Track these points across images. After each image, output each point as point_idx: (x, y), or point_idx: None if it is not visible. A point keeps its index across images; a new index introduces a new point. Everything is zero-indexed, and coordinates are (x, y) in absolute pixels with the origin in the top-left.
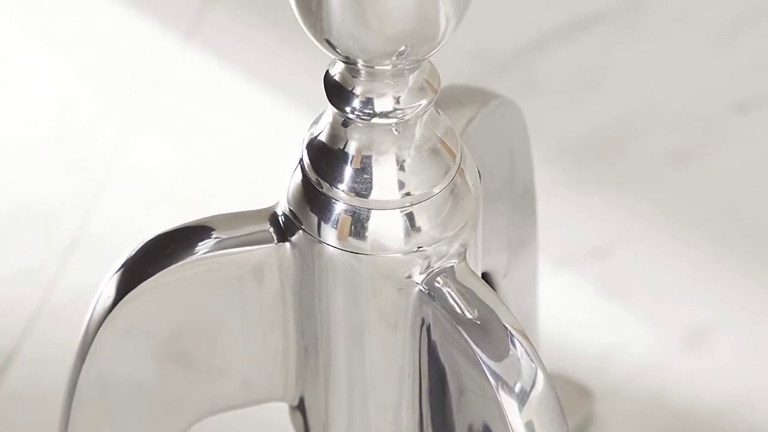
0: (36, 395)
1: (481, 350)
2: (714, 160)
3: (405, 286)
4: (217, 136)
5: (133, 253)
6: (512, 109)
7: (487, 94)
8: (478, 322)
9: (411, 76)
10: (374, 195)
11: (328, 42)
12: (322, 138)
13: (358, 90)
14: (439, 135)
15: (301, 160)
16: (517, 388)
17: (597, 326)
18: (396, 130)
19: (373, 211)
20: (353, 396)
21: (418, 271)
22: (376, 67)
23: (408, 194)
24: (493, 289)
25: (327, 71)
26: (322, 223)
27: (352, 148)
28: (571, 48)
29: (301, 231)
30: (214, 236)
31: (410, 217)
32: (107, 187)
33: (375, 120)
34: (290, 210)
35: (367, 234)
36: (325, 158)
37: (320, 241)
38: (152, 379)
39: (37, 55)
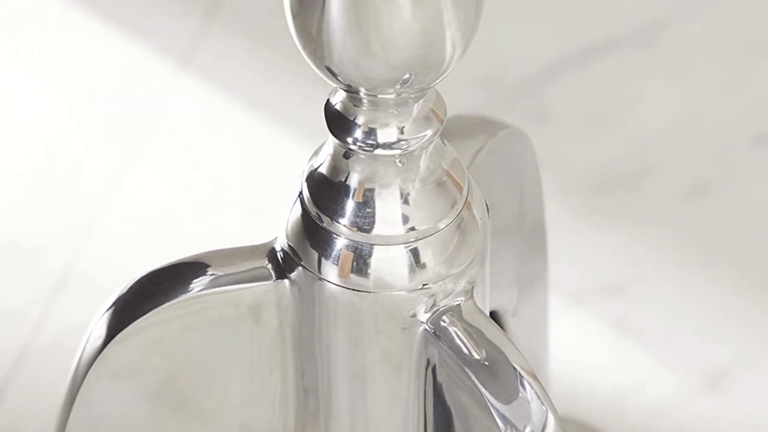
0: None
1: (489, 392)
2: (733, 193)
3: (409, 325)
4: (213, 168)
5: (125, 290)
6: (522, 139)
7: (495, 124)
8: (486, 363)
9: (416, 105)
10: (377, 230)
11: (329, 69)
12: (323, 170)
13: (360, 120)
14: (445, 167)
15: (301, 193)
16: None
17: (611, 367)
18: (400, 161)
19: (376, 247)
20: None
21: (423, 309)
22: (379, 96)
23: (412, 229)
24: (502, 328)
25: (327, 100)
26: (323, 259)
27: (354, 181)
28: (584, 76)
29: (300, 267)
30: (209, 273)
31: (415, 253)
32: (98, 222)
33: (378, 151)
34: (289, 246)
35: (369, 271)
36: (325, 191)
37: (321, 278)
38: (145, 423)
39: (25, 84)
